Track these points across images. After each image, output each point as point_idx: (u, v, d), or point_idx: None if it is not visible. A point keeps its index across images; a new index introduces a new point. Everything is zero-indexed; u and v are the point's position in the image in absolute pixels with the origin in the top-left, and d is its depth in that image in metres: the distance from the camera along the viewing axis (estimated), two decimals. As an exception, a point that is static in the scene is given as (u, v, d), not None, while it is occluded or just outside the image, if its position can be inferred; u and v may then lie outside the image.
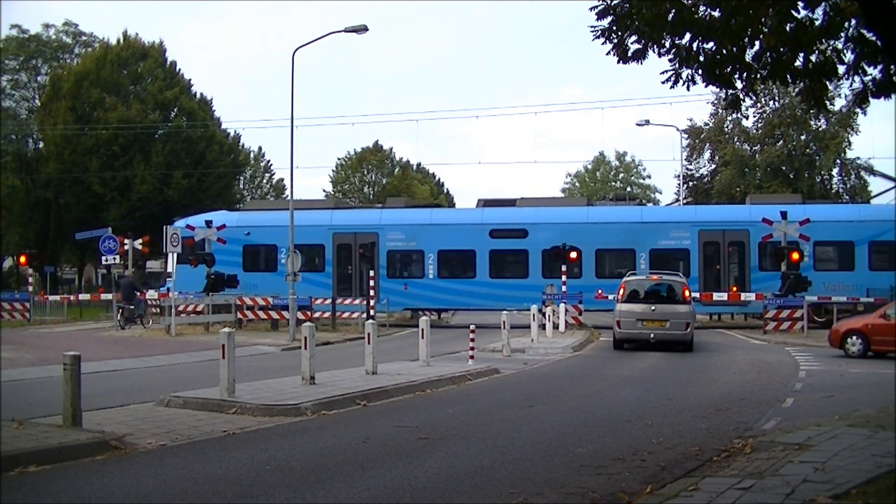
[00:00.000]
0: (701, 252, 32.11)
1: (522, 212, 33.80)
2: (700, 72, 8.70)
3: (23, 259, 38.79)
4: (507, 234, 32.84)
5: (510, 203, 34.93)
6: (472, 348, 18.94)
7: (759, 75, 8.91)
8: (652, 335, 22.35)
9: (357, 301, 31.75)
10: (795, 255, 28.06)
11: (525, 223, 32.93)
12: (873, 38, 8.19)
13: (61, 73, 53.47)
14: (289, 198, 31.42)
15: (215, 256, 31.27)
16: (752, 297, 30.14)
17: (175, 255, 30.02)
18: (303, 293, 29.29)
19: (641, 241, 32.11)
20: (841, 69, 8.70)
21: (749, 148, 51.84)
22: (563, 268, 29.54)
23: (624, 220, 33.07)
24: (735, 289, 30.92)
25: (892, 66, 8.41)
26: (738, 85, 9.05)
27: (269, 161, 73.77)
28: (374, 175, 76.80)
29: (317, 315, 30.40)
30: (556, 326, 27.24)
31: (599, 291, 30.17)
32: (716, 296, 30.39)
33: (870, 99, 8.84)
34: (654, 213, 35.88)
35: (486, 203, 35.68)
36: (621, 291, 23.31)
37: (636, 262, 31.77)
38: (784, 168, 50.52)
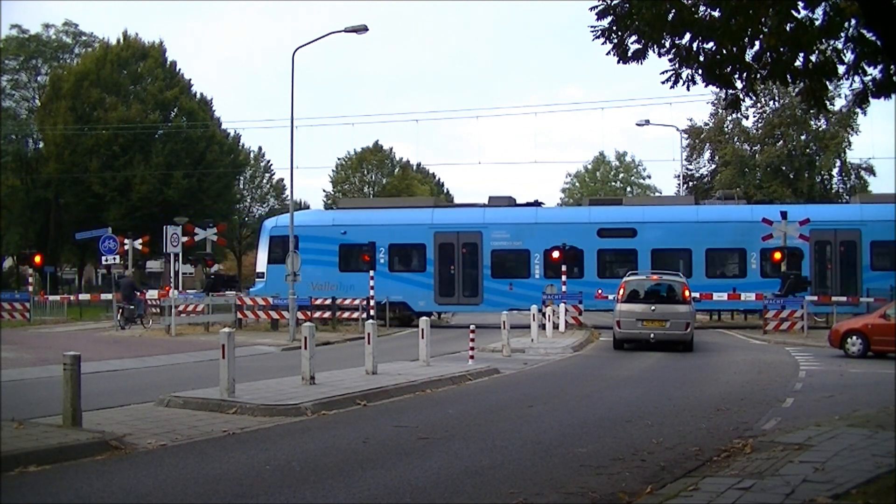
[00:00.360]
0: (813, 251, 31.36)
1: (630, 210, 33.71)
2: (700, 72, 8.70)
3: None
4: (616, 233, 32.22)
5: (616, 202, 34.68)
6: (472, 348, 18.93)
7: (759, 75, 8.91)
8: (652, 335, 22.33)
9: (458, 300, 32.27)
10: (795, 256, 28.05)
11: (634, 222, 32.38)
12: (873, 38, 8.19)
13: (61, 73, 53.51)
14: (288, 199, 31.46)
15: (308, 256, 30.61)
16: (751, 296, 30.03)
17: (266, 254, 29.97)
18: (403, 295, 29.27)
19: (752, 241, 31.20)
20: (841, 69, 8.69)
21: (749, 148, 51.88)
22: (563, 268, 29.43)
23: (733, 219, 32.37)
24: (734, 290, 30.81)
25: (892, 66, 8.40)
26: (738, 85, 9.04)
27: (269, 161, 73.81)
28: (374, 175, 76.86)
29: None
30: (556, 326, 27.25)
31: (599, 291, 30.07)
32: (715, 296, 30.25)
33: (870, 99, 8.83)
34: (764, 211, 35.44)
35: (592, 202, 35.38)
36: (621, 291, 23.29)
37: (747, 261, 31.41)
38: (784, 168, 50.58)
